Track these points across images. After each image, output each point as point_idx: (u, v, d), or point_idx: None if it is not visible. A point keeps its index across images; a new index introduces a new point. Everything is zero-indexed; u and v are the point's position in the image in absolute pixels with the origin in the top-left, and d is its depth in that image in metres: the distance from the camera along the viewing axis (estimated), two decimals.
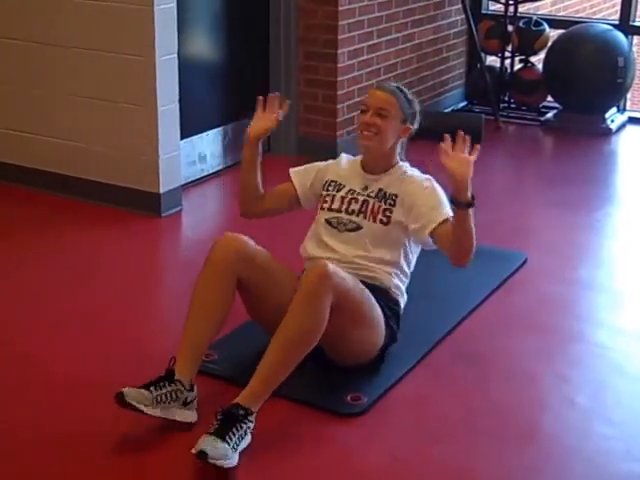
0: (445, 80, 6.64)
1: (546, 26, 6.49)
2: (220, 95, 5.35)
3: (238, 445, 2.77)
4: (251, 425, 2.83)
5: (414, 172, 3.36)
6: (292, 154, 5.54)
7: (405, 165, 3.37)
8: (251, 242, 3.18)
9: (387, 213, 3.28)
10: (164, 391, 2.91)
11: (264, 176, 3.42)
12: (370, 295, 3.14)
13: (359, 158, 3.41)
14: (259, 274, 3.17)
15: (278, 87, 5.56)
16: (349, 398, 3.09)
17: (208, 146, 5.21)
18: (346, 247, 3.28)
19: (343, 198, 3.34)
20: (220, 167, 5.32)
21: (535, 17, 6.58)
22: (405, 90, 3.36)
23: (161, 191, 4.61)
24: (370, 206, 3.30)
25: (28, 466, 2.78)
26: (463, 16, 6.49)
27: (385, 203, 3.29)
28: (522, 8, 6.68)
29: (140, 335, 3.56)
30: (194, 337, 3.05)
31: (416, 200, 3.24)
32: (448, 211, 3.18)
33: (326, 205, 3.36)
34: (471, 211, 3.02)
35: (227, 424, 2.78)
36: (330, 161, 3.50)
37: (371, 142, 3.26)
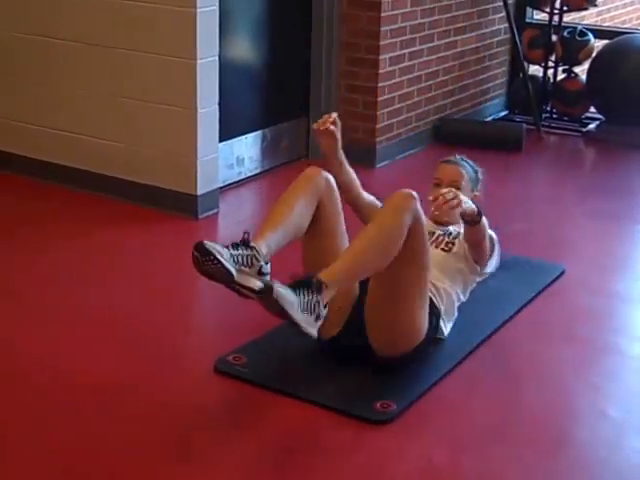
0: (487, 89, 6.61)
1: (591, 36, 6.43)
2: (260, 98, 5.36)
3: (306, 309, 2.80)
4: (320, 302, 2.83)
5: None
6: None
7: None
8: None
9: (449, 245, 3.52)
10: (240, 252, 2.90)
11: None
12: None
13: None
14: (334, 208, 3.26)
15: (319, 92, 5.56)
16: (379, 405, 3.06)
17: (247, 149, 5.21)
18: None
19: None
20: (258, 171, 5.32)
21: (580, 27, 6.52)
22: (469, 161, 3.69)
23: (198, 193, 4.63)
24: (435, 236, 3.55)
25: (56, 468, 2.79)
26: (506, 25, 6.45)
27: (449, 237, 3.55)
28: (567, 17, 6.64)
29: (169, 335, 3.56)
30: (276, 220, 3.09)
31: None
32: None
33: None
34: (483, 221, 3.26)
35: (298, 285, 2.83)
36: None
37: (447, 216, 3.35)
